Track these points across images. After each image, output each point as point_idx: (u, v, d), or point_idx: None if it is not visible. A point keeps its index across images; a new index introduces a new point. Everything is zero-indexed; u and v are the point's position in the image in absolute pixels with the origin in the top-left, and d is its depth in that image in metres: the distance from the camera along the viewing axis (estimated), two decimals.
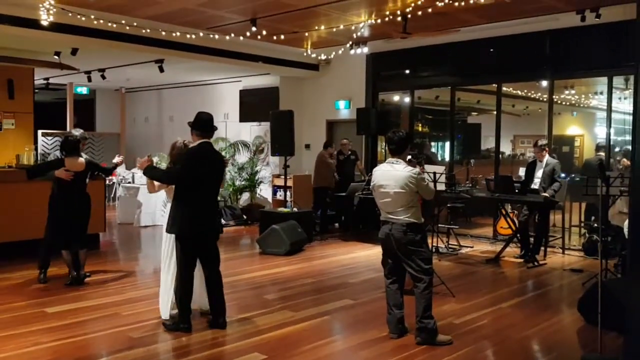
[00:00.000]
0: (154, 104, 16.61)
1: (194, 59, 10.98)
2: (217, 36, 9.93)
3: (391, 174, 4.86)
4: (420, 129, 15.38)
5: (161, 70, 10.93)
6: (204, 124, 5.19)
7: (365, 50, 10.87)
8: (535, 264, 8.29)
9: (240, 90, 13.71)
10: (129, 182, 12.29)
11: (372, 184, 5.07)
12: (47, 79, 13.92)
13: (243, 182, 12.56)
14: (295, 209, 10.05)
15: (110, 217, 12.54)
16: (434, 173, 6.64)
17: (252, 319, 5.64)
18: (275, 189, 12.94)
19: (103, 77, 12.35)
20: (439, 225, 9.69)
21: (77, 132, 7.02)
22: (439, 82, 11.48)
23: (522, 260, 8.62)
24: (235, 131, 13.78)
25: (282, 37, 9.87)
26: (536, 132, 11.43)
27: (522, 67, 10.22)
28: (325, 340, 5.06)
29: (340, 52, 10.99)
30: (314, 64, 12.84)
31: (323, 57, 11.46)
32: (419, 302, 4.92)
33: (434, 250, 8.92)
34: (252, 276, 7.53)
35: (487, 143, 16.59)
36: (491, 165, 12.02)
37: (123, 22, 8.90)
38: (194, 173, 4.99)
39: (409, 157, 5.13)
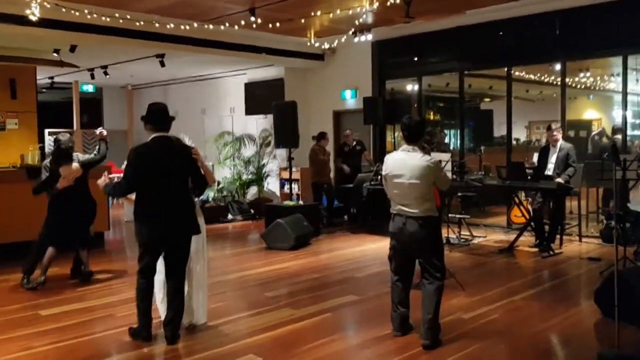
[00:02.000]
0: (160, 100, 16.34)
1: (195, 52, 10.78)
2: (221, 27, 9.68)
3: (407, 163, 4.50)
4: (431, 117, 15.09)
5: (162, 64, 10.72)
6: (155, 115, 4.61)
7: (369, 37, 10.56)
8: (551, 253, 7.96)
9: (245, 84, 13.47)
10: None
11: (384, 172, 4.71)
12: (51, 77, 13.79)
13: (250, 176, 12.33)
14: (301, 202, 9.80)
15: (119, 214, 12.44)
16: (439, 161, 6.33)
17: (249, 318, 5.41)
18: (282, 182, 12.71)
19: (106, 73, 12.19)
20: (450, 215, 9.41)
21: (64, 137, 6.86)
22: (446, 67, 11.14)
23: (537, 249, 8.29)
24: (241, 125, 13.55)
25: (282, 25, 9.62)
26: (551, 117, 11.01)
27: (532, 49, 9.83)
28: (325, 340, 4.79)
29: (343, 39, 10.67)
30: (319, 54, 12.54)
31: (326, 45, 11.14)
32: (429, 300, 4.59)
33: (445, 241, 8.63)
34: (255, 272, 7.30)
35: (501, 130, 16.20)
36: (505, 152, 11.69)
37: (117, 15, 8.68)
38: (142, 174, 4.48)
39: (424, 144, 4.87)
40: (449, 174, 6.68)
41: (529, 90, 14.52)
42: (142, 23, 9.05)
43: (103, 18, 8.73)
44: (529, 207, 8.74)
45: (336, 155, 11.27)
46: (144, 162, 4.48)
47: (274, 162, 12.95)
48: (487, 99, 15.94)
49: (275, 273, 7.24)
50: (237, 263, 7.86)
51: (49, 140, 14.71)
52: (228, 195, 12.08)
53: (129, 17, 8.88)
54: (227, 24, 9.59)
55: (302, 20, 9.49)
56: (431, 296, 4.59)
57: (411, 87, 13.13)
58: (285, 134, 9.73)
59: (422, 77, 11.42)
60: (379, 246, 8.79)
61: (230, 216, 11.68)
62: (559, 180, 7.83)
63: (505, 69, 10.30)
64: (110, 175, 12.71)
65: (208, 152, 12.65)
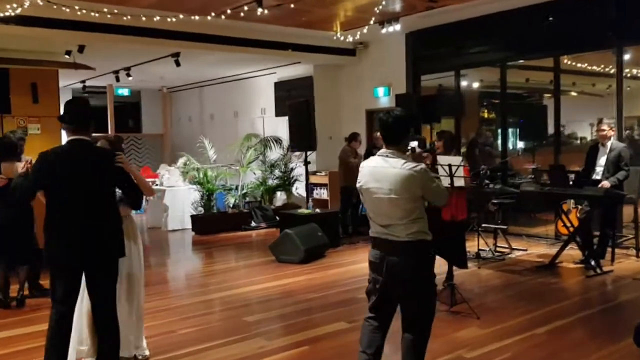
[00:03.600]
0: (196, 103, 16.02)
1: (215, 50, 10.21)
2: (241, 23, 9.06)
3: (384, 172, 3.44)
4: (486, 115, 13.92)
5: (177, 64, 10.16)
6: (70, 114, 3.79)
7: (398, 27, 9.59)
8: (598, 271, 6.77)
9: (275, 83, 12.78)
10: (156, 184, 11.66)
11: (358, 184, 3.63)
12: (83, 81, 13.60)
13: (275, 181, 11.59)
14: (317, 210, 8.95)
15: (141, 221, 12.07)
16: (449, 165, 5.36)
17: (212, 350, 4.64)
18: (311, 187, 11.91)
19: (128, 75, 11.79)
20: (484, 225, 8.33)
21: (16, 132, 6.30)
22: (487, 59, 10.01)
23: (583, 266, 7.11)
24: (272, 127, 12.86)
25: (304, 17, 8.86)
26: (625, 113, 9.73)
27: (583, 35, 8.59)
28: None
29: (365, 30, 9.74)
30: (350, 49, 11.68)
31: (350, 38, 10.27)
32: (409, 356, 3.54)
33: (474, 255, 7.58)
34: (247, 291, 6.53)
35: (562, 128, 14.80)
36: (564, 153, 10.50)
37: (116, 11, 8.15)
38: (43, 181, 3.73)
39: (413, 145, 3.83)
40: (461, 181, 5.66)
41: (596, 84, 13.14)
42: (143, 19, 8.47)
43: (109, 16, 8.25)
44: (579, 215, 7.55)
45: (364, 158, 10.32)
46: (47, 168, 3.70)
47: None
48: (547, 95, 14.65)
49: (269, 292, 6.45)
50: (234, 279, 7.12)
51: None
52: (253, 200, 11.40)
53: (142, 17, 8.35)
54: (240, 14, 8.87)
55: (317, 11, 8.64)
56: (411, 352, 3.54)
57: (463, 82, 12.23)
58: (301, 136, 8.93)
59: (460, 70, 10.32)
60: None
61: (253, 223, 10.99)
62: (605, 184, 6.64)
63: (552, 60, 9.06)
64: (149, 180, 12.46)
65: (230, 155, 12.06)
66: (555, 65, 9.01)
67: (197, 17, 8.53)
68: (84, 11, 7.98)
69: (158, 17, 8.34)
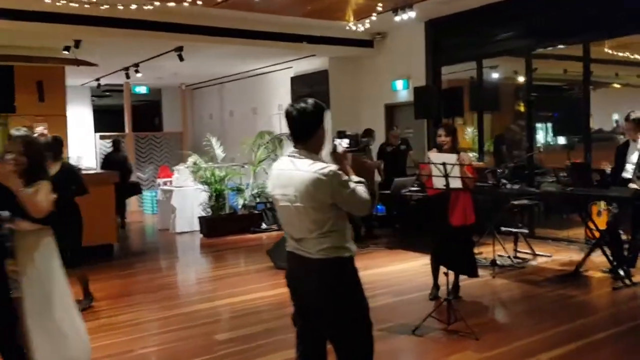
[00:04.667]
0: (216, 100, 15.62)
1: (220, 43, 9.72)
2: (246, 14, 8.55)
3: (290, 176, 2.85)
4: (522, 108, 13.10)
5: (181, 58, 9.70)
6: None
7: (413, 15, 8.85)
8: (627, 282, 5.96)
9: (292, 78, 12.22)
10: (166, 184, 11.27)
11: (269, 190, 3.12)
12: (98, 79, 13.35)
13: None
14: None
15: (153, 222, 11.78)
16: (444, 164, 4.68)
17: None
18: None
19: (137, 71, 11.43)
20: (503, 228, 7.58)
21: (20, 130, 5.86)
22: (510, 47, 9.17)
23: (611, 275, 6.30)
24: None
25: (311, 5, 8.28)
26: None
27: (618, 18, 7.71)
28: None
29: (374, 18, 9.11)
30: (367, 40, 11.01)
31: (362, 28, 9.61)
32: None
33: (489, 262, 6.85)
34: (233, 302, 5.98)
35: (600, 122, 13.85)
36: (599, 150, 9.65)
37: (107, 5, 7.73)
38: None
39: (340, 142, 3.21)
40: (457, 182, 4.96)
41: None
42: (149, 11, 8.04)
43: (102, 7, 7.86)
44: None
45: (378, 157, 9.65)
46: None
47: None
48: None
49: (255, 303, 5.89)
50: (225, 287, 6.60)
51: (100, 145, 14.42)
52: (266, 201, 10.85)
53: (149, 8, 7.94)
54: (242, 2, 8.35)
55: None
56: None
57: (495, 74, 11.37)
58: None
59: (482, 60, 9.53)
60: (406, 267, 7.21)
61: (264, 225, 10.46)
62: (634, 186, 5.82)
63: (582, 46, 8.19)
64: (162, 180, 12.08)
65: (244, 154, 11.58)
66: (584, 53, 8.12)
67: (199, 2, 7.98)
68: (75, 5, 7.59)
69: (157, 3, 7.87)
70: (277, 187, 2.94)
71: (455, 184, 4.79)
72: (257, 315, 5.49)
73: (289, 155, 2.93)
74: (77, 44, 8.79)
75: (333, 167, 2.82)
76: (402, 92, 10.71)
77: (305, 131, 2.89)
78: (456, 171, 4.73)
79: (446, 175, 4.70)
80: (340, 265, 2.86)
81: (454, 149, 5.26)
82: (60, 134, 10.98)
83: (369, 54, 11.14)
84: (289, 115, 2.90)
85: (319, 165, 2.81)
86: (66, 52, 9.36)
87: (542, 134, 14.32)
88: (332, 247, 2.83)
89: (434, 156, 4.95)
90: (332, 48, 10.81)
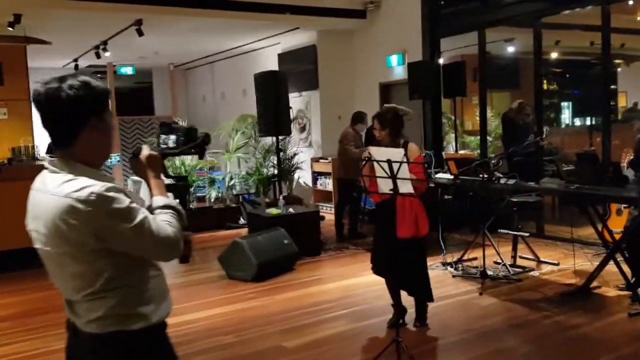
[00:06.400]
0: (208, 81, 14.53)
1: (187, 15, 8.61)
2: None
3: (38, 202, 1.78)
4: (545, 86, 11.77)
5: (140, 33, 8.61)
6: None
7: None
8: None
9: (279, 55, 11.04)
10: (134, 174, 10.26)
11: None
12: (75, 59, 12.37)
13: (272, 169, 9.87)
14: (290, 210, 7.18)
15: None
16: (389, 161, 3.49)
17: None
18: (315, 176, 10.19)
19: (105, 50, 10.37)
20: (500, 230, 6.36)
21: None
22: (517, 12, 7.79)
23: (629, 294, 5.04)
24: None
25: None
26: None
27: None
28: None
29: None
30: (358, 10, 9.76)
31: None
32: None
33: (479, 273, 5.66)
34: None
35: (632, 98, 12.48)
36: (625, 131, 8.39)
37: None
38: None
39: (141, 149, 2.05)
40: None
41: None
42: None
43: None
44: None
45: (365, 144, 8.42)
46: None
47: (308, 150, 10.44)
48: (618, 61, 12.21)
49: (181, 330, 4.77)
50: None
51: None
52: (245, 193, 9.77)
53: None
54: None
55: None
56: None
57: (510, 48, 10.61)
58: (269, 117, 7.17)
59: (484, 29, 8.19)
60: (378, 279, 6.04)
61: (242, 220, 9.37)
62: None
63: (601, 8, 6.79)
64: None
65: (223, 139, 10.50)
66: (603, 20, 6.72)
67: None
68: None
69: None
70: (30, 219, 1.82)
71: (406, 188, 3.60)
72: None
73: (47, 170, 1.81)
74: (18, 18, 7.75)
75: (100, 185, 1.69)
76: (398, 68, 9.44)
77: (62, 129, 1.77)
78: (405, 170, 3.53)
79: (394, 178, 3.51)
80: (124, 345, 1.77)
81: (396, 142, 4.07)
82: (24, 121, 10.17)
83: (362, 25, 9.88)
84: (36, 101, 1.76)
85: (75, 184, 1.69)
86: (11, 29, 8.34)
87: (564, 115, 12.97)
88: (111, 316, 1.76)
89: (376, 151, 3.75)
90: (319, 20, 9.59)
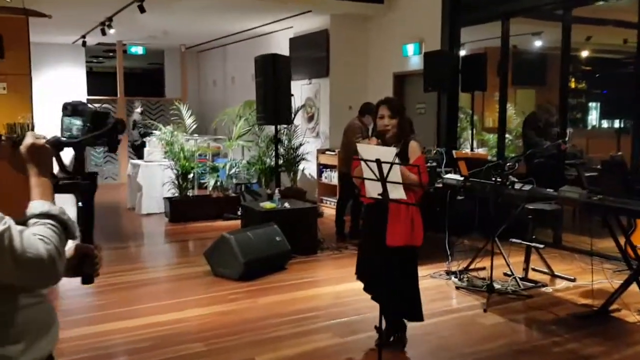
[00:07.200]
0: (220, 64, 14.06)
1: None
2: None
3: None
4: (573, 84, 11.12)
5: (142, 10, 8.15)
6: None
7: None
8: None
9: (290, 39, 10.52)
10: (134, 157, 9.88)
11: None
12: (83, 36, 11.98)
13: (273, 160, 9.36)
14: (286, 204, 6.69)
15: (119, 199, 10.42)
16: (377, 161, 2.97)
17: None
18: (321, 168, 9.68)
19: (110, 26, 9.94)
20: (512, 240, 5.79)
21: None
22: (545, 1, 7.16)
23: None
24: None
25: None
26: None
27: None
28: None
29: None
30: None
31: None
32: None
33: (485, 287, 5.12)
34: (137, 326, 4.45)
35: None
36: None
37: None
38: None
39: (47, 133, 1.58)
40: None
41: None
42: None
43: None
44: None
45: (370, 135, 7.87)
46: None
47: (315, 141, 9.93)
48: None
49: (148, 335, 4.30)
50: (134, 302, 5.09)
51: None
52: (246, 183, 9.30)
53: None
54: None
55: None
56: None
57: (538, 42, 9.92)
58: (268, 105, 6.66)
59: (509, 18, 7.57)
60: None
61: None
62: None
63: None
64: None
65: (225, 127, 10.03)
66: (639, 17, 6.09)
67: None
68: None
69: None
70: None
71: (397, 193, 3.08)
72: (135, 356, 3.96)
73: None
74: None
75: None
76: (414, 58, 8.86)
77: None
78: (397, 173, 3.01)
79: (384, 180, 2.99)
80: None
81: (402, 136, 3.54)
82: (23, 96, 9.81)
83: (377, 11, 9.31)
84: None
85: None
86: (9, 0, 7.92)
87: (591, 116, 12.27)
88: None
89: (364, 149, 3.23)
90: (333, 3, 9.06)
